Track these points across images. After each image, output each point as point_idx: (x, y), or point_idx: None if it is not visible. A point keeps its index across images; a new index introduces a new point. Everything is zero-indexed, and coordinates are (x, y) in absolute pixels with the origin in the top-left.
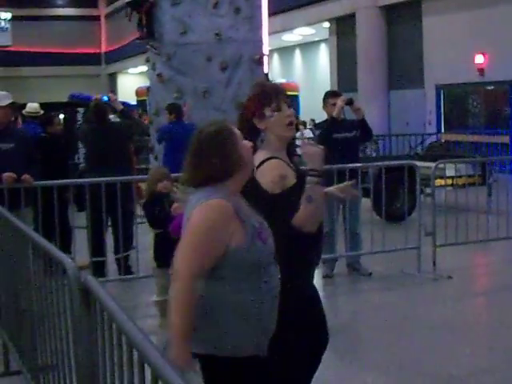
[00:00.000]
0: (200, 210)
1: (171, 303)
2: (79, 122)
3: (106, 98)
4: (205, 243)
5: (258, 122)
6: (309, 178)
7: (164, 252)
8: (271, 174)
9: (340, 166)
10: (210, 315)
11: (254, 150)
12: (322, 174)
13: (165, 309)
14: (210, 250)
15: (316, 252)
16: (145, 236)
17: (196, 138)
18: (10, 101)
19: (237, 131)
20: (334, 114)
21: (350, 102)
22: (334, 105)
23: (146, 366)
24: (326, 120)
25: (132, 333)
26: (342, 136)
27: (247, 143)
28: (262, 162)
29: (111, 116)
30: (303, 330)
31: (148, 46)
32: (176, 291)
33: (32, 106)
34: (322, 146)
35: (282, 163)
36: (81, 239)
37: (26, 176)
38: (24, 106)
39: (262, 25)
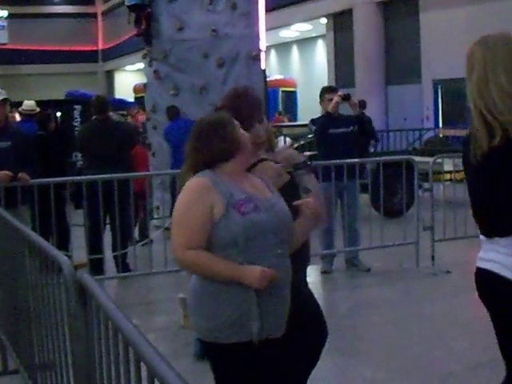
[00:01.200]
0: (182, 190)
1: (195, 272)
2: (76, 120)
3: None
4: (185, 218)
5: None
6: (298, 171)
7: None
8: (268, 172)
9: (338, 161)
10: (199, 301)
11: None
12: (305, 165)
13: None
14: (191, 224)
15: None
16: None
17: (197, 125)
18: (3, 97)
19: (236, 122)
20: (329, 108)
21: (347, 98)
22: (331, 100)
23: (142, 364)
24: (323, 115)
25: (128, 331)
26: (339, 132)
27: (245, 133)
28: (254, 165)
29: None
30: (302, 326)
31: (146, 51)
32: (182, 263)
33: (28, 104)
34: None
35: (272, 163)
36: (79, 237)
37: (22, 174)
38: (20, 103)
39: (258, 21)
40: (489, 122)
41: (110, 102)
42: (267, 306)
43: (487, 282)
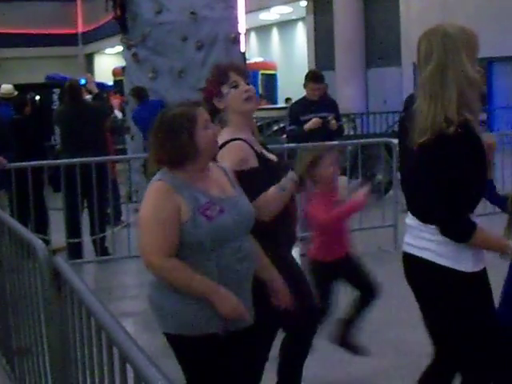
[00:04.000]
0: (146, 196)
1: (166, 279)
2: (55, 103)
3: (83, 81)
4: (153, 224)
5: (217, 102)
6: (291, 172)
7: None
8: (231, 157)
9: (317, 143)
10: (163, 296)
11: None
12: (303, 181)
13: None
14: (160, 231)
15: (290, 228)
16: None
17: (160, 119)
18: None
19: (203, 117)
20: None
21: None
22: (314, 90)
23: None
24: (304, 99)
25: (100, 314)
26: (319, 116)
27: (211, 132)
28: (224, 144)
29: (87, 97)
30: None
31: (122, 39)
32: (157, 270)
33: (5, 88)
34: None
35: (244, 145)
36: (57, 221)
37: None
38: None
39: (237, 3)
40: (428, 117)
41: (82, 87)
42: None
43: (422, 271)
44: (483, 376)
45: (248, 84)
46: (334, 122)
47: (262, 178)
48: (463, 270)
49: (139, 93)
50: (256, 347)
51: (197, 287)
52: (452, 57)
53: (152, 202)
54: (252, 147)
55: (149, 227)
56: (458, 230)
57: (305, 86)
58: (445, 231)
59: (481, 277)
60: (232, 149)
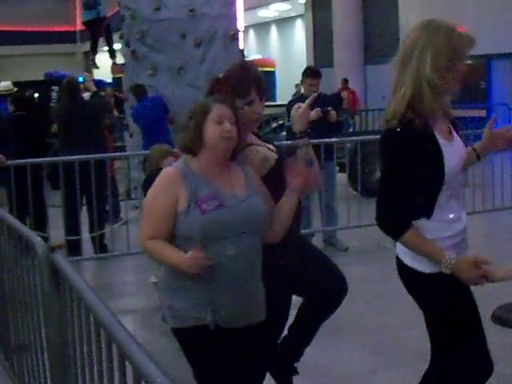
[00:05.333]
0: (155, 181)
1: (155, 260)
2: (53, 100)
3: (81, 79)
4: (152, 208)
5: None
6: (301, 140)
7: None
8: (254, 161)
9: (315, 140)
10: (163, 290)
11: None
12: (307, 135)
13: None
14: (156, 214)
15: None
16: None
17: (193, 105)
18: None
19: (218, 112)
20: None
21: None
22: (311, 86)
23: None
24: (302, 96)
25: (99, 311)
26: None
27: (223, 128)
28: (240, 150)
29: (85, 94)
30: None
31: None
32: (147, 251)
33: (4, 85)
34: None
35: (257, 148)
36: (56, 218)
37: None
38: None
39: (235, 0)
40: (388, 108)
41: (80, 84)
42: (222, 300)
43: (398, 267)
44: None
45: (262, 100)
46: (333, 112)
47: (281, 171)
48: (421, 270)
49: (137, 90)
50: (262, 345)
51: (168, 259)
52: (417, 54)
53: (154, 189)
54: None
55: (147, 210)
56: (389, 225)
57: (302, 81)
58: (378, 222)
59: (442, 278)
60: (251, 152)
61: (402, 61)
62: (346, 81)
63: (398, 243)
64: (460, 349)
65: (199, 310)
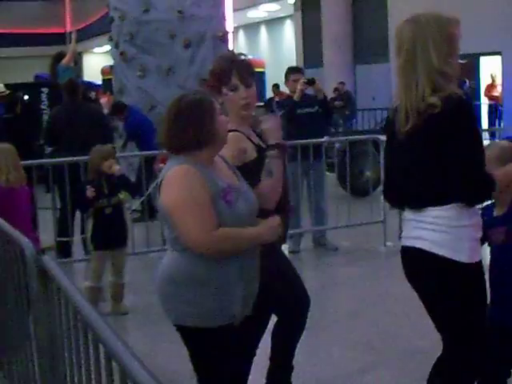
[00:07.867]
0: (171, 182)
1: (222, 250)
2: (43, 103)
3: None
4: (193, 203)
5: (216, 96)
6: (269, 152)
7: (101, 235)
8: (231, 147)
9: (304, 141)
10: (179, 287)
11: None
12: (282, 148)
13: (95, 295)
14: (204, 205)
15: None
16: None
17: (176, 104)
18: None
19: (217, 105)
20: (295, 97)
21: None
22: (295, 81)
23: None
24: (289, 98)
25: (86, 313)
26: (305, 112)
27: (225, 119)
28: None
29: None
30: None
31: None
32: (209, 245)
33: None
34: (277, 116)
35: (242, 136)
36: (46, 220)
37: None
38: None
39: (224, 1)
40: (408, 105)
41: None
42: (250, 289)
43: (417, 260)
44: (463, 374)
45: (251, 84)
46: (318, 83)
47: (261, 169)
48: (458, 260)
49: (118, 109)
50: (251, 336)
51: (252, 239)
52: (420, 47)
53: (185, 185)
54: (250, 139)
55: (188, 210)
56: (488, 186)
57: (286, 80)
58: (478, 190)
59: (476, 270)
60: (230, 140)
61: (407, 61)
62: (342, 83)
63: (415, 239)
64: (479, 332)
65: (225, 308)
